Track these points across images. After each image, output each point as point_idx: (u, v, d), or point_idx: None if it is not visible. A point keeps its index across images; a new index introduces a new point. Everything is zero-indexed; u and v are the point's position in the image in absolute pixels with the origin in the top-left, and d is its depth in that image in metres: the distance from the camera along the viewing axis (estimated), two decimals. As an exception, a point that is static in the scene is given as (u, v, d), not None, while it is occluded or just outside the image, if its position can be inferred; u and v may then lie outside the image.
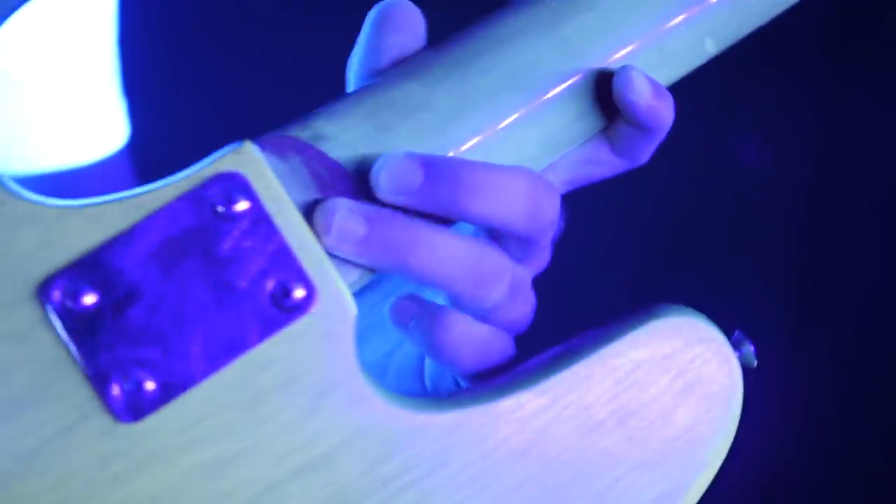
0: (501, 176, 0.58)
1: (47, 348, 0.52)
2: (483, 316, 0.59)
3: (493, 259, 0.58)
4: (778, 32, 0.92)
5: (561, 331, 0.89)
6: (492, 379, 0.58)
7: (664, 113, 0.61)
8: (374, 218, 0.57)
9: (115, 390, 0.52)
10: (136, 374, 0.53)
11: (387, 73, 0.60)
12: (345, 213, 0.57)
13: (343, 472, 0.54)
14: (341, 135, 0.58)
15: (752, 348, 0.60)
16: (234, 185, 0.54)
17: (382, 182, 0.57)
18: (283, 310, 0.54)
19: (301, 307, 0.54)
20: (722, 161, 0.90)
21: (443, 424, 0.55)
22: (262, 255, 0.54)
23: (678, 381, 0.57)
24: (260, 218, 0.54)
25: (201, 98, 0.89)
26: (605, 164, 0.63)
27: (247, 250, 0.54)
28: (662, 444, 0.57)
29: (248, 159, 0.55)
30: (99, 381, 0.52)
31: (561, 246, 0.89)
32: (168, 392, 0.53)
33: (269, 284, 0.54)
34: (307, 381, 0.54)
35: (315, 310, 0.54)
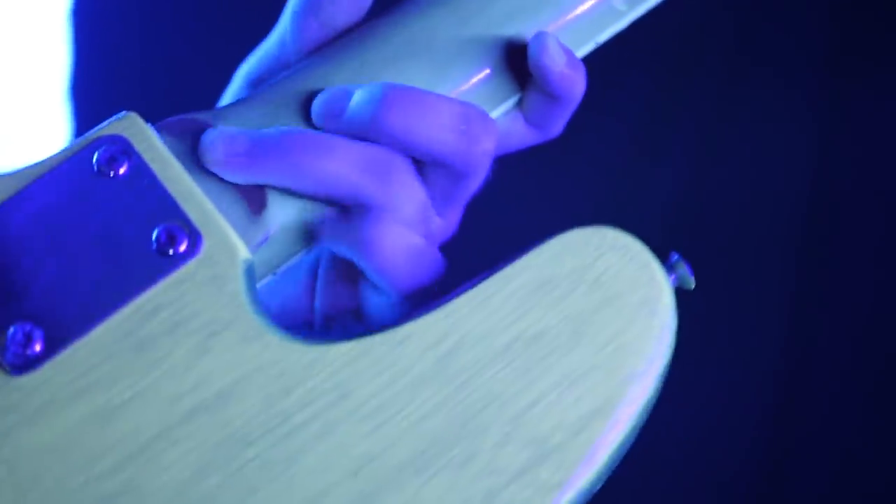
0: (432, 98, 0.58)
1: None
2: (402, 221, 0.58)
3: (385, 155, 0.58)
4: (777, 33, 0.91)
5: None
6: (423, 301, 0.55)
7: (576, 82, 0.61)
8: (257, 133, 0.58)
9: (5, 345, 0.52)
10: (25, 329, 0.53)
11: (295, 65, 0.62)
12: (228, 132, 0.58)
13: (240, 411, 0.52)
14: (243, 114, 0.59)
15: (687, 269, 0.56)
16: (118, 146, 0.55)
17: (317, 108, 0.59)
18: (169, 257, 0.54)
19: (187, 253, 0.54)
20: (722, 161, 0.88)
21: (343, 354, 0.53)
22: (146, 207, 0.55)
23: (593, 294, 0.54)
24: (143, 173, 0.55)
25: (152, 102, 0.92)
26: (518, 135, 0.63)
27: (131, 203, 0.55)
28: (583, 359, 0.53)
29: (130, 123, 0.56)
30: None
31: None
32: (56, 344, 0.53)
33: (155, 234, 0.54)
34: (196, 323, 0.53)
35: (202, 255, 0.54)
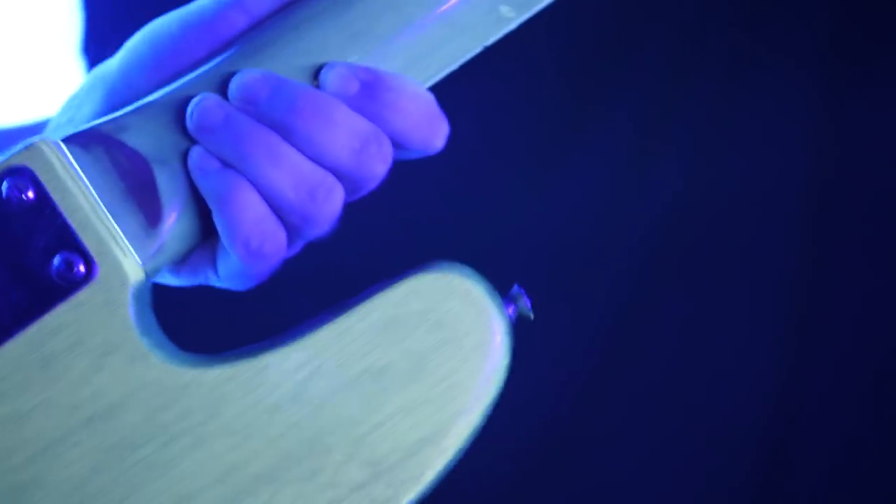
0: (341, 112, 0.65)
1: None
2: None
3: (331, 184, 0.65)
4: (778, 32, 0.90)
5: (557, 328, 0.92)
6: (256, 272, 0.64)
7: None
8: (231, 114, 0.65)
9: None
10: (-56, 341, 0.62)
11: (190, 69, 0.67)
12: (210, 103, 0.65)
13: (128, 421, 0.62)
14: (143, 124, 0.66)
15: (527, 302, 0.64)
16: (23, 176, 0.63)
17: (234, 87, 0.66)
18: (67, 282, 0.62)
19: (83, 280, 0.62)
20: (722, 161, 0.90)
21: (213, 379, 0.62)
22: (47, 235, 0.62)
23: (435, 334, 0.62)
24: (45, 203, 0.63)
25: None
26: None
27: (33, 232, 0.63)
28: (421, 392, 0.62)
29: (35, 154, 0.63)
30: None
31: (562, 245, 0.92)
32: (-29, 356, 0.62)
33: (55, 261, 0.62)
34: (91, 343, 0.62)
35: (95, 281, 0.62)
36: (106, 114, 0.69)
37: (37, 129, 0.94)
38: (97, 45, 0.96)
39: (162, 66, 0.69)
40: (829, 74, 0.88)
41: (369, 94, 0.66)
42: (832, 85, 0.89)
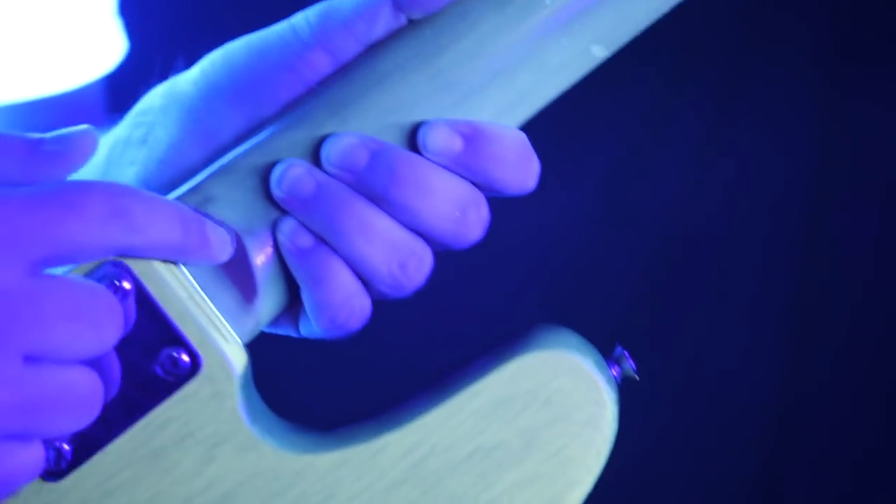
0: (441, 180, 0.62)
1: None
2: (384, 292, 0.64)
3: (421, 252, 0.63)
4: (778, 33, 0.87)
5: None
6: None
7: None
8: (323, 183, 0.63)
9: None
10: (55, 442, 0.61)
11: (273, 120, 0.64)
12: (300, 171, 0.62)
13: (242, 509, 0.62)
14: (229, 193, 0.63)
15: (631, 364, 0.64)
16: (119, 271, 0.60)
17: (331, 153, 0.63)
18: (173, 377, 0.61)
19: (188, 373, 0.61)
20: (722, 161, 0.88)
21: (326, 464, 0.62)
22: (149, 332, 0.61)
23: (545, 412, 0.62)
24: (143, 299, 0.61)
25: (199, 17, 0.91)
26: None
27: (135, 329, 0.61)
28: (533, 467, 0.62)
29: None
30: None
31: (563, 245, 0.91)
32: (82, 454, 0.62)
33: (159, 356, 0.61)
34: (201, 435, 0.62)
35: (202, 374, 0.61)
36: (183, 139, 0.66)
37: (78, 95, 0.91)
38: (133, 6, 0.92)
39: (241, 97, 0.66)
40: (829, 74, 0.86)
41: (472, 149, 0.64)
42: (832, 85, 0.87)
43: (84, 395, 0.59)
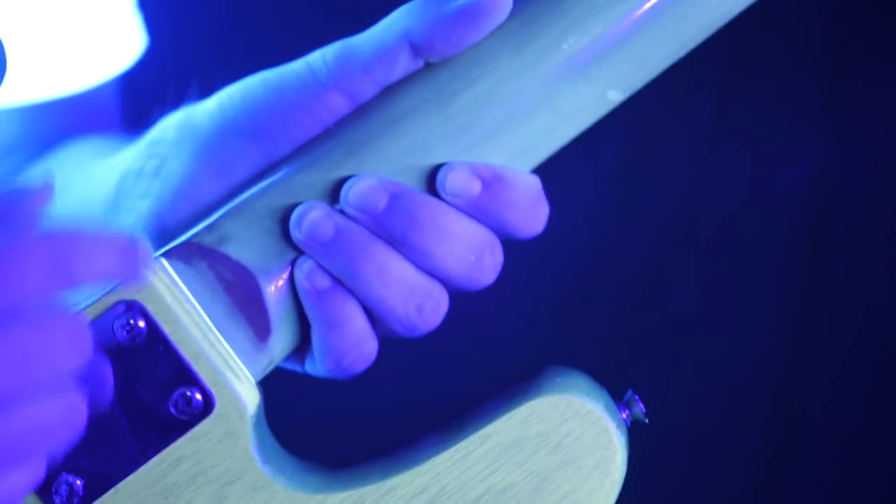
0: (458, 224, 0.63)
1: None
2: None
3: (437, 295, 0.63)
4: (778, 34, 0.87)
5: (561, 333, 0.92)
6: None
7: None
8: (342, 226, 0.63)
9: (54, 492, 0.62)
10: (69, 478, 0.62)
11: (289, 160, 0.64)
12: (319, 214, 0.63)
13: (253, 547, 0.63)
14: (245, 232, 0.63)
15: (641, 407, 0.64)
16: (133, 310, 0.61)
17: (351, 196, 0.64)
18: (187, 416, 0.62)
19: (201, 412, 0.62)
20: (722, 161, 0.88)
21: (338, 503, 0.62)
22: (163, 370, 0.62)
23: (555, 456, 0.63)
24: (158, 338, 0.61)
25: (218, 11, 0.90)
26: None
27: (150, 367, 0.61)
28: (543, 510, 0.63)
29: (143, 285, 0.60)
30: (40, 488, 0.61)
31: (563, 246, 0.91)
32: (94, 491, 0.62)
33: (172, 395, 0.62)
34: (213, 473, 0.62)
35: (214, 413, 0.62)
36: (198, 173, 0.66)
37: (97, 94, 0.90)
38: (153, 10, 0.91)
39: (258, 134, 0.66)
40: (830, 75, 0.86)
41: (489, 193, 0.64)
42: (832, 85, 0.87)
43: (60, 420, 0.58)
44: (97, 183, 0.75)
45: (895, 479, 0.92)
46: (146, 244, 0.59)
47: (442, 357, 0.91)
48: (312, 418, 0.89)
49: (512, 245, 0.87)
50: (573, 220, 0.89)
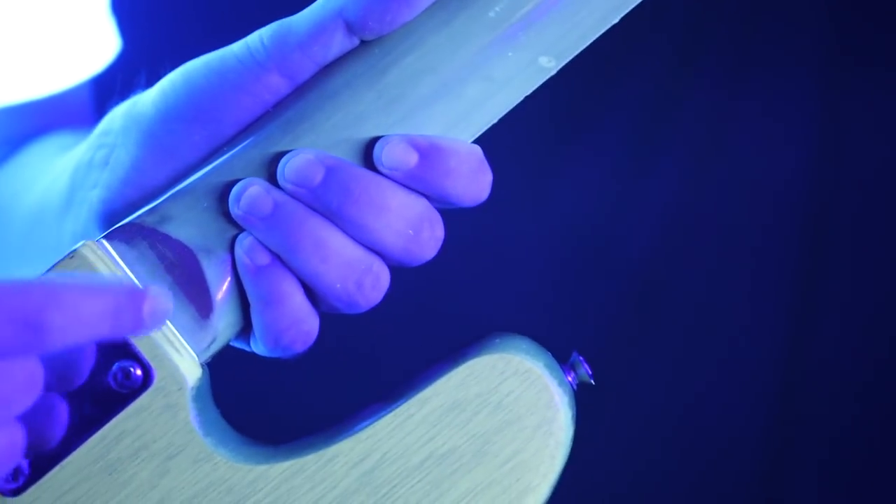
0: (396, 198, 0.63)
1: None
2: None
3: (377, 270, 0.63)
4: (778, 32, 0.86)
5: (559, 325, 0.91)
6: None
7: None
8: (280, 202, 0.63)
9: None
10: (12, 456, 0.62)
11: (230, 141, 0.64)
12: (258, 190, 0.63)
13: (197, 520, 0.63)
14: (186, 213, 0.64)
15: (587, 369, 0.63)
16: None
17: (287, 170, 0.64)
18: (126, 389, 0.62)
19: (141, 386, 0.62)
20: (722, 161, 0.87)
21: (281, 472, 0.62)
22: (101, 345, 0.62)
23: (496, 417, 0.62)
24: None
25: (193, 16, 0.91)
26: None
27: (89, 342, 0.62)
28: (487, 473, 0.62)
29: (80, 263, 0.62)
30: None
31: (564, 239, 0.90)
32: (39, 470, 0.63)
33: (111, 369, 0.62)
34: (155, 448, 0.62)
35: (154, 386, 0.62)
36: (144, 160, 0.67)
37: (70, 95, 0.92)
38: (126, 4, 0.93)
39: (200, 118, 0.67)
40: (829, 74, 0.85)
41: (427, 163, 0.64)
42: (832, 85, 0.86)
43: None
44: (56, 177, 0.77)
45: (895, 479, 0.91)
46: (160, 294, 0.58)
47: (439, 349, 0.91)
48: (261, 399, 0.89)
49: (512, 240, 0.87)
50: (575, 213, 0.89)
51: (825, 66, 0.88)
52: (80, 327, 0.56)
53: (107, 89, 0.89)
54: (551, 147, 0.87)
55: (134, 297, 0.57)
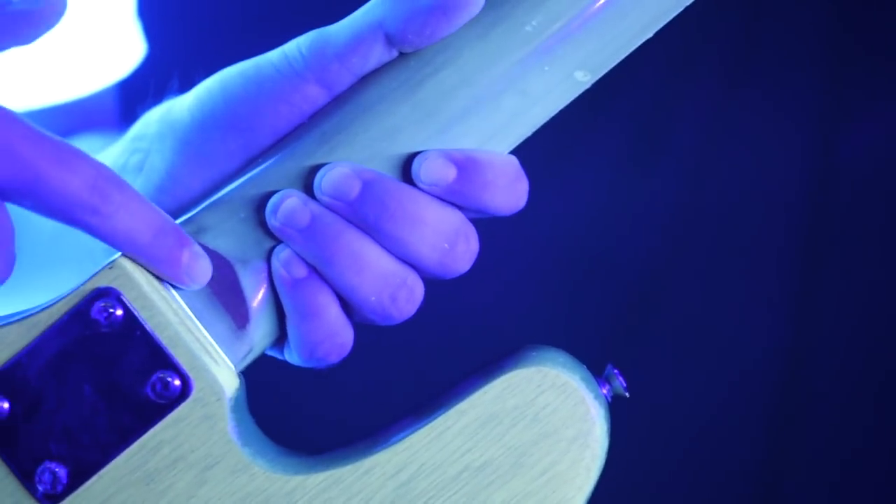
0: (432, 212, 0.63)
1: None
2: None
3: (412, 283, 0.63)
4: (778, 33, 0.87)
5: (558, 326, 0.91)
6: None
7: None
8: (318, 214, 0.63)
9: (37, 481, 0.62)
10: (52, 466, 0.63)
11: (266, 152, 0.65)
12: (295, 202, 0.63)
13: (235, 530, 0.63)
14: (222, 223, 0.64)
15: (622, 382, 0.63)
16: (110, 298, 0.62)
17: (324, 184, 0.64)
18: (165, 400, 0.62)
19: (179, 396, 0.62)
20: (722, 162, 0.88)
21: (316, 484, 0.63)
22: (140, 355, 0.62)
23: (532, 429, 0.62)
24: (134, 323, 0.62)
25: (219, 19, 0.91)
26: None
27: (127, 353, 0.62)
28: (523, 486, 0.63)
29: (119, 273, 0.62)
30: (23, 475, 0.62)
31: (563, 240, 0.91)
32: (78, 478, 0.63)
33: (150, 379, 0.62)
34: (192, 458, 0.63)
35: (192, 397, 0.62)
36: (179, 166, 0.67)
37: (97, 99, 0.92)
38: (153, 9, 0.93)
39: (237, 126, 0.67)
40: (830, 75, 0.86)
41: (465, 177, 0.64)
42: (832, 86, 0.86)
43: None
44: None
45: (895, 479, 0.91)
46: (199, 253, 0.61)
47: (440, 351, 0.91)
48: (296, 411, 0.89)
49: (511, 240, 0.87)
50: (575, 213, 0.89)
51: (825, 66, 0.88)
52: (126, 222, 0.60)
53: (133, 93, 0.89)
54: (551, 148, 0.88)
55: (180, 236, 0.62)
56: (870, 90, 0.88)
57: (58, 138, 0.61)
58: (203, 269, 0.63)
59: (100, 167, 0.60)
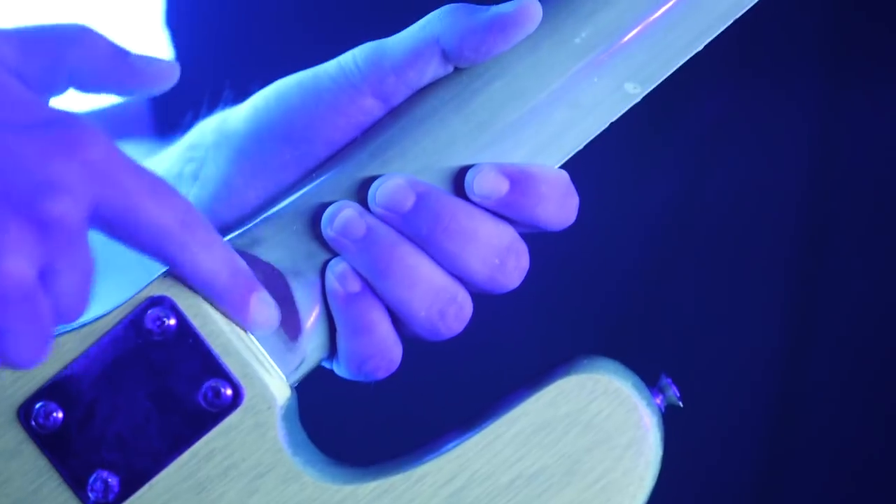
0: (484, 227, 0.63)
1: (33, 460, 0.62)
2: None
3: (461, 300, 0.63)
4: (778, 33, 0.87)
5: (560, 333, 0.91)
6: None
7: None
8: (374, 226, 0.63)
9: (89, 489, 0.62)
10: (104, 475, 0.63)
11: (320, 164, 0.65)
12: (352, 213, 0.63)
13: (286, 539, 0.63)
14: (276, 235, 0.65)
15: (675, 391, 0.63)
16: (163, 307, 0.62)
17: (379, 195, 0.64)
18: (216, 408, 0.62)
19: (231, 404, 0.62)
20: (722, 162, 0.87)
21: (367, 493, 0.62)
22: (192, 364, 0.62)
23: (585, 436, 0.62)
24: (187, 332, 0.62)
25: (246, 26, 0.92)
26: None
27: (180, 361, 0.62)
28: (576, 493, 0.62)
29: (172, 282, 0.62)
30: (75, 484, 0.62)
31: (560, 248, 0.91)
32: (130, 487, 0.63)
33: (202, 387, 0.62)
34: (244, 466, 0.62)
35: (244, 405, 0.62)
36: (234, 177, 0.67)
37: (128, 106, 0.92)
38: (180, 17, 0.93)
39: (293, 137, 0.67)
40: (830, 76, 0.85)
41: (518, 191, 0.64)
42: (833, 87, 0.86)
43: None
44: None
45: (894, 479, 0.91)
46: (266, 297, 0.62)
47: (441, 356, 0.92)
48: (345, 425, 0.89)
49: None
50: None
51: (826, 67, 0.88)
52: (208, 258, 0.61)
53: (164, 100, 0.90)
54: None
55: (251, 281, 0.62)
56: (870, 90, 0.88)
57: (153, 171, 0.61)
58: (268, 316, 0.63)
59: (189, 204, 0.61)
